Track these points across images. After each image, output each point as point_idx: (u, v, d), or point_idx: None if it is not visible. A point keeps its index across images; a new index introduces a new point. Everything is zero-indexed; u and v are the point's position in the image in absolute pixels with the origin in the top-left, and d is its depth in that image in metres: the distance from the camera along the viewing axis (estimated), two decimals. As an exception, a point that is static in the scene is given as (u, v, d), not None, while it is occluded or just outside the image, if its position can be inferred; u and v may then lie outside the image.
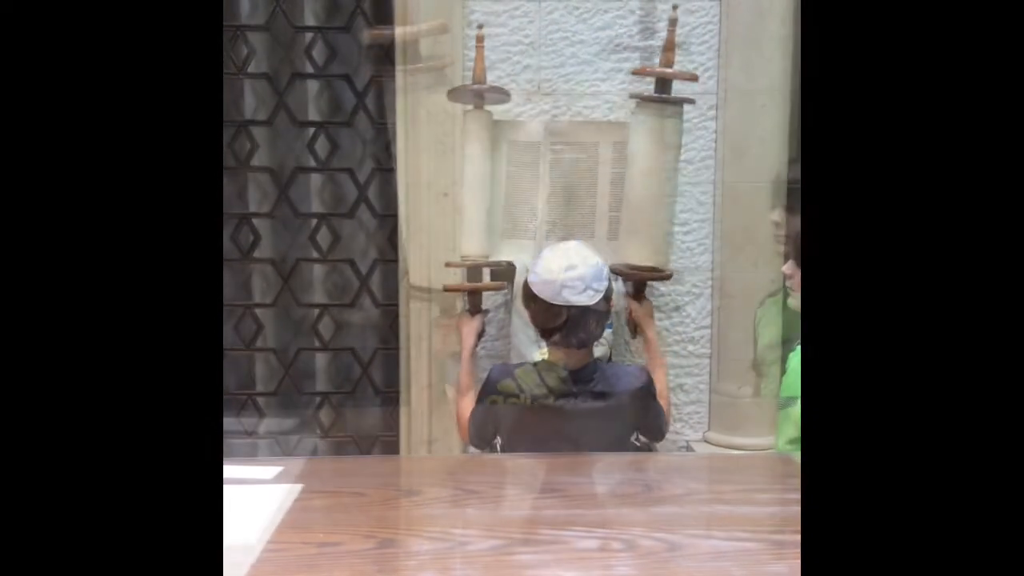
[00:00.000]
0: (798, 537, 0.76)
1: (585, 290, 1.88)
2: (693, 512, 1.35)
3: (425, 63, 2.35)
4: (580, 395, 1.91)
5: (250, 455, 2.54)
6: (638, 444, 2.05)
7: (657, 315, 2.44)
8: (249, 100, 2.58)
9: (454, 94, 2.31)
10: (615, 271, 2.19)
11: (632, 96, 2.30)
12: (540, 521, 1.28)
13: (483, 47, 2.28)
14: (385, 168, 2.57)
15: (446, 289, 2.35)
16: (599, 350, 2.14)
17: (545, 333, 1.96)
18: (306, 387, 2.67)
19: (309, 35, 2.57)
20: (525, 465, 1.63)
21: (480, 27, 2.32)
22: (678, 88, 2.25)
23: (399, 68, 2.38)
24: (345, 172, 2.60)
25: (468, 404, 2.06)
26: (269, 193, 2.61)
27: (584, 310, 1.88)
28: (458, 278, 2.33)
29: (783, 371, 1.90)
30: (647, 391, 1.98)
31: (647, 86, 2.32)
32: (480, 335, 2.30)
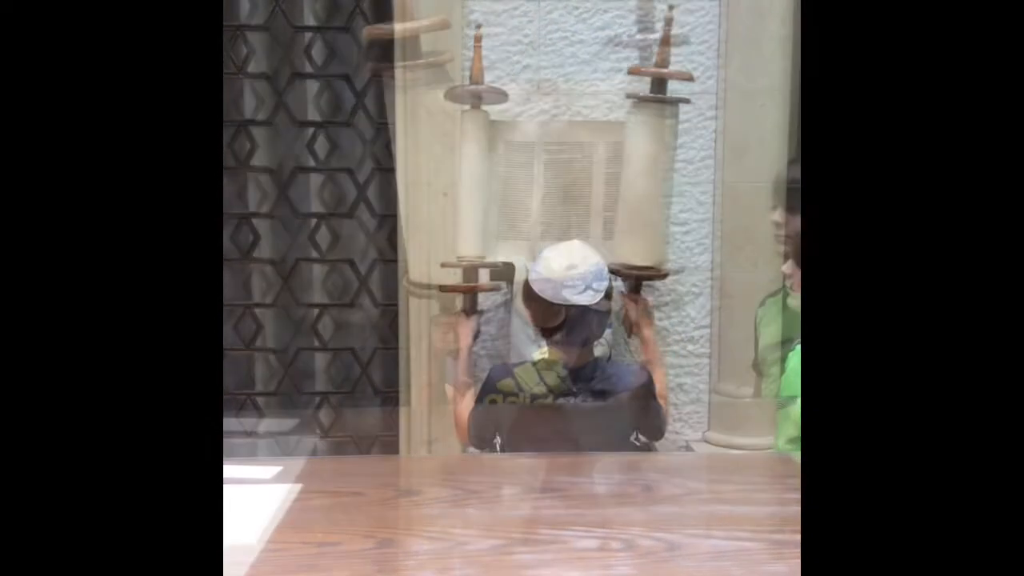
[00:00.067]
0: (798, 537, 0.77)
1: (586, 290, 1.88)
2: (693, 512, 1.35)
3: (425, 59, 2.34)
4: (580, 394, 1.92)
5: (250, 455, 2.54)
6: (638, 444, 2.05)
7: (657, 315, 2.44)
8: (249, 100, 2.58)
9: (451, 94, 2.31)
10: (611, 270, 2.19)
11: (628, 96, 2.30)
12: (540, 521, 1.28)
13: (481, 47, 2.28)
14: (385, 168, 2.57)
15: (442, 289, 2.35)
16: (599, 349, 2.14)
17: (545, 332, 1.96)
18: (306, 387, 2.67)
19: (309, 35, 2.57)
20: (525, 465, 1.63)
21: (478, 27, 2.32)
22: (676, 88, 2.25)
23: (399, 65, 2.38)
24: (345, 172, 2.60)
25: (466, 404, 2.06)
26: (269, 193, 2.61)
27: (584, 309, 1.88)
28: (456, 278, 2.33)
29: (783, 371, 1.90)
30: (647, 390, 1.98)
31: (645, 86, 2.32)
32: (476, 335, 2.30)
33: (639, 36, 2.40)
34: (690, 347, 2.57)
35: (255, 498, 1.32)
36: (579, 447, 1.86)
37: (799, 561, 0.76)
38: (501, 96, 2.32)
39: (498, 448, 2.00)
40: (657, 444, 2.11)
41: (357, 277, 2.64)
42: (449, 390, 2.30)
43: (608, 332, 2.24)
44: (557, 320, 1.91)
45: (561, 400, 1.91)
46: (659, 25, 2.38)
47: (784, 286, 2.09)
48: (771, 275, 2.34)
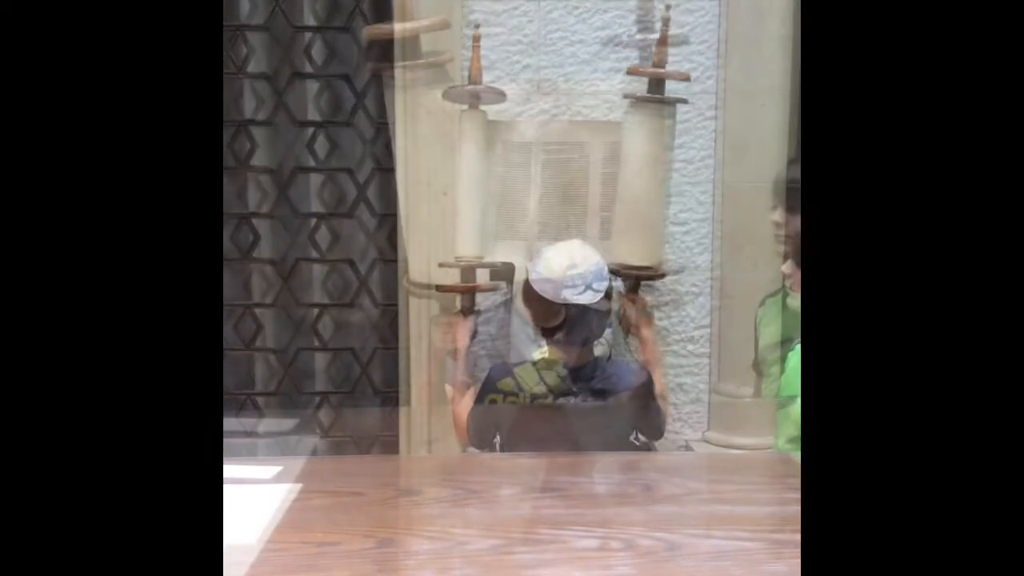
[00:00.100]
0: (797, 536, 0.77)
1: (586, 290, 1.89)
2: (693, 512, 1.35)
3: (425, 59, 2.34)
4: (580, 393, 1.92)
5: (250, 455, 2.54)
6: (637, 443, 2.05)
7: (657, 315, 2.44)
8: (249, 100, 2.58)
9: (449, 94, 2.31)
10: (609, 270, 2.19)
11: (626, 96, 2.30)
12: (539, 520, 1.28)
13: (479, 47, 2.28)
14: (385, 168, 2.57)
15: (439, 289, 2.34)
16: (599, 349, 2.14)
17: (546, 332, 1.96)
18: (306, 387, 2.67)
19: (309, 35, 2.56)
20: (525, 465, 1.63)
21: (477, 27, 2.32)
22: (674, 88, 2.25)
23: (399, 65, 2.37)
24: (345, 172, 2.60)
25: (464, 404, 2.06)
26: (269, 193, 2.61)
27: (585, 309, 1.88)
28: (455, 278, 2.33)
29: (783, 371, 1.90)
30: (647, 389, 1.98)
31: (644, 86, 2.32)
32: (474, 335, 2.30)
33: (639, 36, 2.40)
34: (690, 347, 2.57)
35: (255, 498, 1.33)
36: (579, 447, 1.86)
37: (799, 561, 0.76)
38: (499, 96, 2.32)
39: (498, 448, 2.00)
40: (657, 444, 2.11)
41: (357, 277, 2.64)
42: (449, 390, 2.30)
43: (608, 332, 2.24)
44: (557, 320, 1.91)
45: (561, 400, 1.91)
46: (658, 25, 2.38)
47: (784, 286, 2.09)
48: (771, 275, 2.34)
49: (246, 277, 2.62)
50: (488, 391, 1.95)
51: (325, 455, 2.61)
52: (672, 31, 2.27)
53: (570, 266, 1.89)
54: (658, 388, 2.09)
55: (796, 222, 1.95)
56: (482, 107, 2.30)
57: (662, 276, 2.33)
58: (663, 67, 2.23)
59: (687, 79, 2.25)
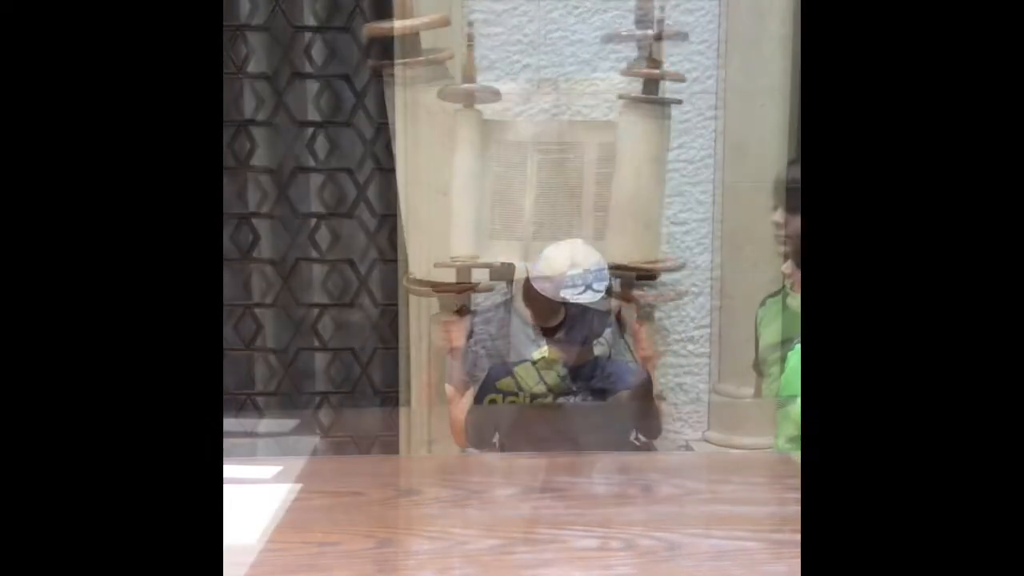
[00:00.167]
0: (797, 536, 0.77)
1: (586, 289, 1.89)
2: (692, 511, 1.35)
3: (425, 55, 2.34)
4: (580, 393, 1.92)
5: (250, 455, 2.54)
6: (637, 443, 2.05)
7: (657, 314, 2.44)
8: (249, 100, 2.58)
9: (444, 93, 2.31)
10: None
11: (620, 96, 2.30)
12: (539, 520, 1.28)
13: (473, 46, 2.28)
14: (385, 168, 2.57)
15: (436, 289, 2.34)
16: (599, 348, 2.14)
17: (546, 331, 1.96)
18: (306, 387, 2.67)
19: (309, 35, 2.57)
20: (524, 464, 1.63)
21: (469, 25, 2.32)
22: (672, 89, 2.25)
23: (399, 62, 2.37)
24: (345, 172, 2.60)
25: (462, 405, 2.06)
26: (269, 193, 2.61)
27: (585, 308, 1.89)
28: (451, 278, 2.32)
29: (783, 370, 1.90)
30: (646, 388, 1.98)
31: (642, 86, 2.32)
32: (470, 335, 2.29)
33: (638, 32, 2.39)
34: (690, 347, 2.57)
35: (255, 498, 1.32)
36: (579, 446, 1.86)
37: (799, 561, 0.76)
38: (494, 95, 2.32)
39: (497, 447, 2.00)
40: (655, 443, 2.11)
41: (357, 277, 2.64)
42: (449, 389, 2.30)
43: (608, 331, 2.24)
44: (557, 319, 1.91)
45: (561, 399, 1.91)
46: (656, 25, 2.38)
47: (784, 286, 2.09)
48: (771, 275, 2.34)
49: (246, 277, 2.63)
50: (488, 391, 1.95)
51: (325, 455, 2.61)
52: (669, 31, 2.27)
53: (571, 265, 1.89)
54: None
55: (796, 222, 1.95)
56: (479, 106, 2.30)
57: (656, 276, 2.33)
58: (658, 67, 2.23)
59: (682, 80, 2.25)
